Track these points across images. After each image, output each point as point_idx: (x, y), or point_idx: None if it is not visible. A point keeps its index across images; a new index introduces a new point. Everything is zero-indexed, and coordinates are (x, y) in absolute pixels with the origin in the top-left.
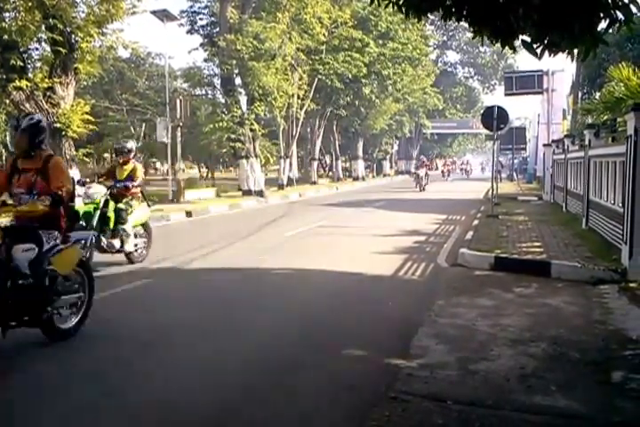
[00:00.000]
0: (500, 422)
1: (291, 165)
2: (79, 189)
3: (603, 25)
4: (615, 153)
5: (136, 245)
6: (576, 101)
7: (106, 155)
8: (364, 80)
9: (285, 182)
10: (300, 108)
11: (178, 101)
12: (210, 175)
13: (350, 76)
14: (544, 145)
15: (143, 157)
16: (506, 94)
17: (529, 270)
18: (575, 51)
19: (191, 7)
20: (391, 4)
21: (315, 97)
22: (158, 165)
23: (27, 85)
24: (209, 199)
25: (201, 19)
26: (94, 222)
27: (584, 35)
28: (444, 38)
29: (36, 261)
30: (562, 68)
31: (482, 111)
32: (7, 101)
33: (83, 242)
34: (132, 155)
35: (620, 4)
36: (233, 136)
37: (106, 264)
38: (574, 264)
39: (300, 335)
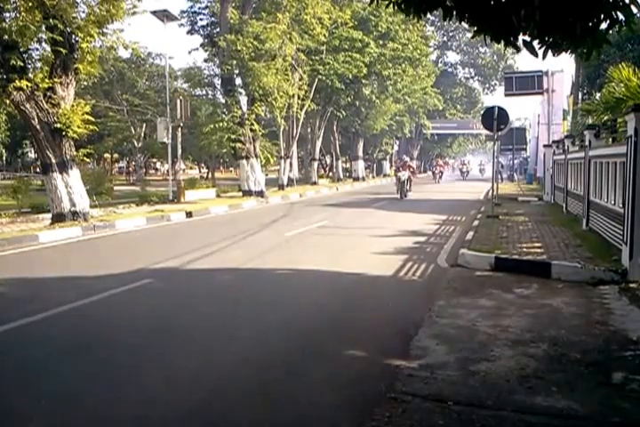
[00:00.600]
0: (501, 422)
1: (291, 165)
2: None
3: (603, 25)
4: (615, 154)
5: None
6: (576, 102)
7: (106, 155)
8: (364, 80)
9: (286, 183)
10: (301, 109)
11: (178, 102)
12: (210, 175)
13: (350, 76)
14: (544, 146)
15: (143, 158)
16: (506, 95)
17: (529, 271)
18: (577, 51)
19: (191, 7)
20: (391, 4)
21: (315, 97)
22: (158, 165)
23: (27, 86)
24: (209, 200)
25: (201, 19)
26: None
27: (585, 35)
28: (445, 39)
29: None
30: (561, 68)
31: (482, 112)
32: (7, 102)
33: None
34: None
35: (621, 4)
36: (233, 136)
37: (105, 265)
38: (575, 265)
39: (301, 335)
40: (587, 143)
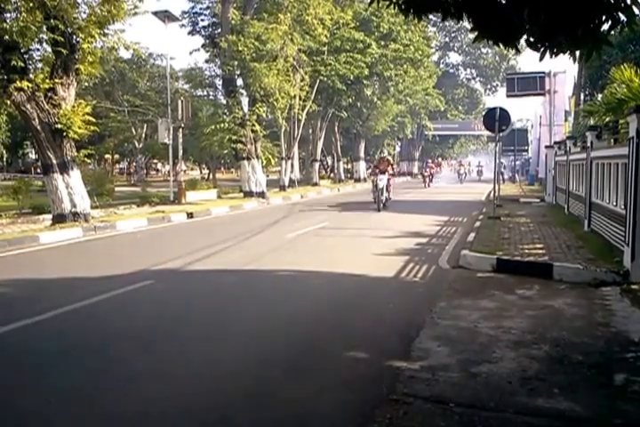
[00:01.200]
0: (502, 424)
1: (292, 166)
2: None
3: (605, 26)
4: (617, 155)
5: None
6: (578, 103)
7: (107, 156)
8: (365, 81)
9: (287, 184)
10: (302, 110)
11: (179, 102)
12: (211, 176)
13: (352, 77)
14: (546, 147)
15: (144, 159)
16: (507, 96)
17: (531, 272)
18: (578, 52)
19: (193, 8)
20: (392, 5)
21: (316, 98)
22: (159, 166)
23: (28, 86)
24: (210, 200)
25: (202, 20)
26: None
27: (587, 36)
28: (446, 40)
29: None
30: (563, 69)
31: (484, 113)
32: (8, 102)
33: None
34: None
35: (623, 5)
36: (234, 137)
37: (106, 266)
38: (576, 266)
39: (301, 337)
40: (588, 144)
